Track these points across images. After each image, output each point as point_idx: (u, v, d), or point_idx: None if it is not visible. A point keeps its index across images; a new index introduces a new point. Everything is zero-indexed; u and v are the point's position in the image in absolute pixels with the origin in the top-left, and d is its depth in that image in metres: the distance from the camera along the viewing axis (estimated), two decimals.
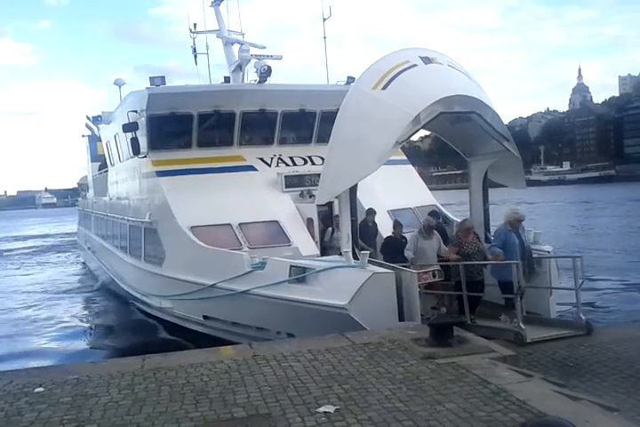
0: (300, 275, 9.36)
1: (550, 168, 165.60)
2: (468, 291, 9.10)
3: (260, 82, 14.44)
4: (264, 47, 15.90)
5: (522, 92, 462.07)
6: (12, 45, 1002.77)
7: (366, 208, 12.22)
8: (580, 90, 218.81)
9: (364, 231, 11.37)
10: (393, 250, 10.82)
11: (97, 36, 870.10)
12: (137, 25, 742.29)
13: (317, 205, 12.32)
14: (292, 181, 13.76)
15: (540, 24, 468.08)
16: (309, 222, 12.91)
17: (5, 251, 47.45)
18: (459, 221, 12.62)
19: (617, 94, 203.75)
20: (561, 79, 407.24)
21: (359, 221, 10.63)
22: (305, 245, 12.24)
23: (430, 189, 16.20)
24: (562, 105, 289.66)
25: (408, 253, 10.34)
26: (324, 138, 12.59)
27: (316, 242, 12.63)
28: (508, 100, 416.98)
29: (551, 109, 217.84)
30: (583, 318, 8.74)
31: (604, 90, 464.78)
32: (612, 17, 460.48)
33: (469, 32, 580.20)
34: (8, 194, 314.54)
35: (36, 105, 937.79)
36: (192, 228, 12.10)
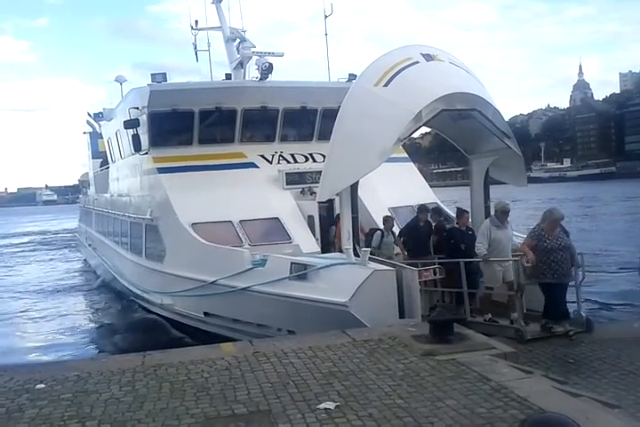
0: (300, 272, 9.37)
1: (551, 165, 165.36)
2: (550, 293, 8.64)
3: (261, 79, 14.41)
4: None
5: (522, 89, 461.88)
6: (10, 43, 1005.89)
7: (371, 211, 12.50)
8: (581, 86, 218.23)
9: (415, 233, 10.91)
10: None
11: (95, 33, 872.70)
12: (135, 22, 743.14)
13: (318, 203, 12.32)
14: (293, 179, 13.75)
15: (539, 21, 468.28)
16: (310, 220, 12.92)
17: (6, 247, 47.52)
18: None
19: (618, 91, 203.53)
20: (561, 76, 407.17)
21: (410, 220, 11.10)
22: (306, 242, 12.24)
23: (431, 187, 16.20)
24: (562, 102, 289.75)
25: (480, 248, 9.18)
26: (325, 135, 12.58)
27: (317, 239, 12.64)
28: (509, 97, 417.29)
29: (552, 106, 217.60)
30: (584, 314, 8.77)
31: (604, 87, 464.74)
32: (609, 14, 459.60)
33: (468, 29, 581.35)
34: (9, 191, 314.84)
35: (34, 102, 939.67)
36: (193, 224, 12.11)
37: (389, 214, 12.70)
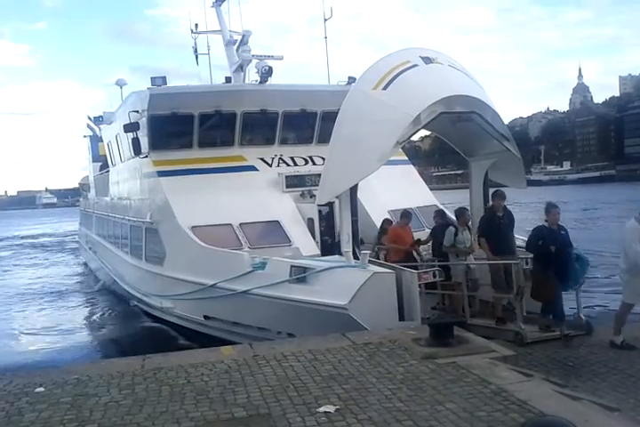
0: (300, 275, 9.35)
1: (550, 168, 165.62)
2: None
3: (261, 82, 14.46)
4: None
5: (521, 92, 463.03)
6: (9, 46, 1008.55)
7: (370, 213, 12.64)
8: (581, 90, 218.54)
9: (492, 225, 9.79)
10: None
11: (93, 37, 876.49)
12: (133, 26, 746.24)
13: (318, 205, 12.33)
14: (292, 182, 13.76)
15: (536, 24, 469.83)
16: (310, 222, 12.92)
17: (5, 250, 47.52)
18: None
19: (616, 94, 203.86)
20: (559, 79, 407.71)
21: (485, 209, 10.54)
22: (305, 245, 12.24)
23: (431, 189, 16.20)
24: (562, 105, 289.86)
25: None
26: (324, 138, 12.58)
27: (317, 242, 12.64)
28: (508, 101, 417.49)
29: (551, 109, 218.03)
30: (583, 317, 8.76)
31: (603, 90, 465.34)
32: (607, 17, 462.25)
33: (465, 33, 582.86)
34: (8, 194, 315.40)
35: (33, 105, 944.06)
36: (193, 227, 12.11)
37: (391, 217, 12.73)
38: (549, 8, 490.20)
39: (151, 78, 13.97)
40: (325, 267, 9.18)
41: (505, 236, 9.66)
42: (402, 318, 8.46)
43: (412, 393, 5.38)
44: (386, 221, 12.20)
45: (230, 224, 12.40)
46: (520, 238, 9.99)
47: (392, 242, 11.23)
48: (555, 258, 8.39)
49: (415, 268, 9.44)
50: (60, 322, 17.70)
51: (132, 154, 15.20)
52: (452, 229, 10.08)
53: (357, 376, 5.93)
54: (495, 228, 9.62)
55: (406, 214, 11.54)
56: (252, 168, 14.17)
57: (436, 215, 11.67)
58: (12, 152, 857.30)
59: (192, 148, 14.31)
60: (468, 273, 9.70)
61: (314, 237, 12.71)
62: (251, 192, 13.22)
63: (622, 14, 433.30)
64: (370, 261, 9.02)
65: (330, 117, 11.69)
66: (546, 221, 8.83)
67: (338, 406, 5.11)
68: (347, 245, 9.45)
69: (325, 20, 16.66)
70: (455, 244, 9.99)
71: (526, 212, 38.85)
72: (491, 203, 10.25)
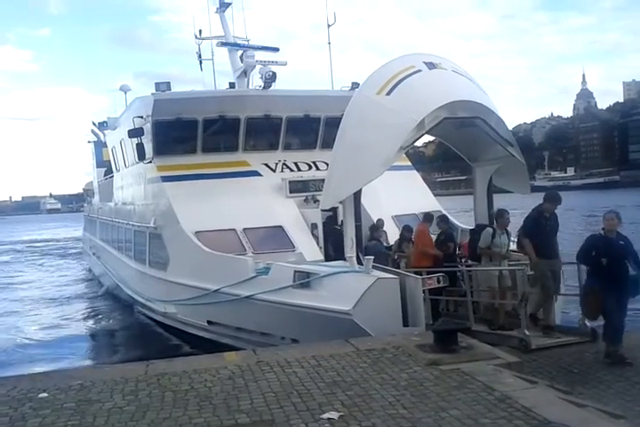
0: (304, 280, 9.35)
1: (554, 174, 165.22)
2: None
3: (264, 88, 14.49)
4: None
5: (524, 97, 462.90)
6: (14, 52, 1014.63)
7: (374, 219, 12.45)
8: (585, 95, 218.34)
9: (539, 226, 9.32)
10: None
11: (97, 42, 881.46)
12: (136, 32, 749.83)
13: (322, 211, 12.33)
14: (296, 187, 13.77)
15: (539, 30, 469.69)
16: (313, 227, 12.92)
17: (11, 255, 47.62)
18: (464, 227, 12.61)
19: (619, 100, 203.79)
20: (563, 85, 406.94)
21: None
22: (309, 250, 12.23)
23: (434, 195, 16.18)
24: (566, 111, 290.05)
25: None
26: (328, 143, 12.60)
27: (320, 247, 12.63)
28: (511, 106, 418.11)
29: (555, 115, 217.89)
30: (588, 324, 8.71)
31: (606, 96, 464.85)
32: (610, 23, 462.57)
33: (467, 38, 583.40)
34: (13, 199, 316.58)
35: (38, 111, 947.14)
36: (196, 233, 12.12)
37: (395, 223, 12.71)
38: (552, 14, 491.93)
39: (155, 84, 14.03)
40: (329, 272, 9.17)
41: (550, 239, 9.07)
42: (406, 323, 8.44)
43: (416, 400, 5.36)
44: (405, 228, 11.71)
45: (234, 229, 12.40)
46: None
47: (424, 245, 10.60)
48: (607, 271, 7.48)
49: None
50: (62, 327, 17.73)
51: (137, 159, 15.25)
52: (489, 230, 9.73)
53: (361, 383, 5.91)
54: (541, 229, 8.98)
55: (429, 218, 11.19)
56: (256, 173, 14.19)
57: (439, 221, 11.62)
58: (17, 158, 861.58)
59: (196, 153, 14.34)
60: (501, 280, 9.27)
61: (317, 243, 12.70)
62: (254, 197, 13.23)
63: (625, 20, 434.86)
64: (374, 267, 8.97)
65: (333, 123, 11.72)
66: (603, 229, 7.83)
67: (341, 413, 5.09)
68: (350, 251, 9.44)
69: (329, 25, 16.75)
70: (491, 246, 9.62)
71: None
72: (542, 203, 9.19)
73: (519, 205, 19.90)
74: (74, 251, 45.57)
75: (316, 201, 12.99)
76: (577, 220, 44.77)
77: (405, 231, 11.59)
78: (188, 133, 14.25)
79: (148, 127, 14.20)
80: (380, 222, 12.74)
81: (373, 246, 11.54)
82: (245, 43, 18.22)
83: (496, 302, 9.43)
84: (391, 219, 13.32)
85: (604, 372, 7.30)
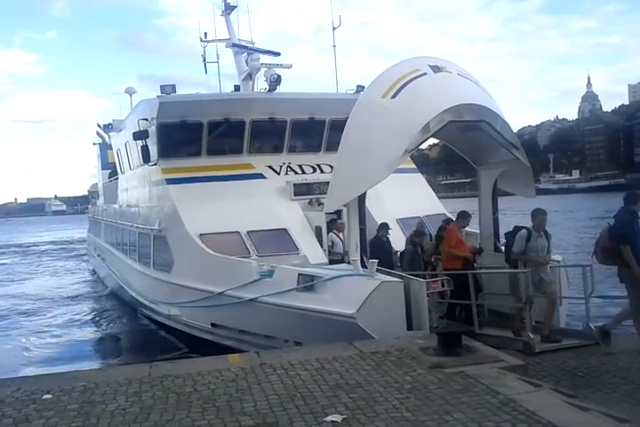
0: (308, 283, 9.35)
1: (559, 177, 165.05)
2: None
3: (269, 90, 14.51)
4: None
5: (529, 100, 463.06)
6: (19, 55, 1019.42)
7: (379, 222, 12.15)
8: (590, 98, 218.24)
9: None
10: None
11: (101, 46, 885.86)
12: (141, 35, 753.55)
13: (326, 214, 12.33)
14: (300, 190, 13.77)
15: (543, 33, 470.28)
16: (318, 230, 12.92)
17: (16, 256, 47.77)
18: (469, 230, 12.56)
19: (626, 102, 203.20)
20: (567, 88, 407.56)
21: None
22: (313, 253, 12.23)
23: (439, 198, 16.17)
24: (571, 113, 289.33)
25: None
26: (333, 146, 12.60)
27: (324, 250, 12.63)
28: (516, 109, 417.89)
29: (560, 118, 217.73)
30: (593, 327, 8.68)
31: (610, 98, 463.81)
32: (613, 26, 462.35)
33: (471, 41, 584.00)
34: (18, 201, 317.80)
35: (43, 113, 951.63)
36: (201, 235, 12.14)
37: (399, 226, 12.67)
38: (555, 17, 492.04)
39: (161, 86, 14.05)
40: (333, 275, 9.16)
41: None
42: (410, 327, 8.43)
43: (420, 403, 5.34)
44: (441, 229, 11.33)
45: (238, 232, 12.41)
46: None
47: (452, 247, 9.96)
48: None
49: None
50: (66, 329, 17.76)
51: (141, 162, 15.27)
52: (523, 232, 8.81)
53: (365, 385, 5.89)
54: (637, 233, 8.17)
55: (463, 216, 10.53)
56: (261, 176, 14.20)
57: (444, 224, 11.61)
58: (22, 160, 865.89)
59: (201, 156, 14.36)
60: (542, 286, 8.71)
61: (321, 245, 12.70)
62: (259, 200, 13.24)
63: (628, 23, 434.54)
64: (378, 270, 8.96)
65: (338, 126, 11.72)
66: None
67: (345, 416, 5.08)
68: (355, 254, 9.44)
69: (334, 28, 16.76)
70: (526, 251, 8.83)
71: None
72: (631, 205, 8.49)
73: (519, 206, 19.85)
74: (75, 253, 45.76)
75: (320, 204, 12.98)
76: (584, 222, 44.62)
77: (442, 231, 11.12)
78: (193, 136, 14.27)
79: (152, 130, 14.24)
80: (386, 224, 12.71)
81: (411, 252, 11.09)
82: (251, 46, 18.27)
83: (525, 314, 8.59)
84: (395, 222, 13.30)
85: (608, 375, 7.27)
